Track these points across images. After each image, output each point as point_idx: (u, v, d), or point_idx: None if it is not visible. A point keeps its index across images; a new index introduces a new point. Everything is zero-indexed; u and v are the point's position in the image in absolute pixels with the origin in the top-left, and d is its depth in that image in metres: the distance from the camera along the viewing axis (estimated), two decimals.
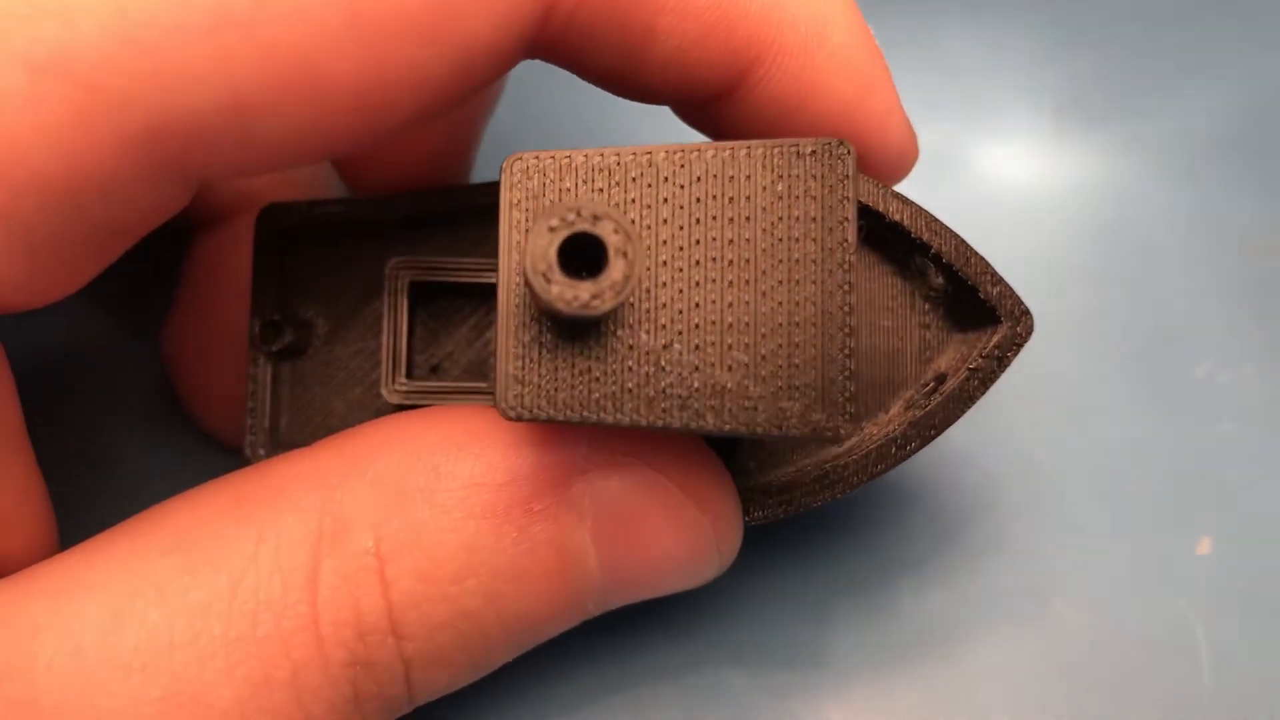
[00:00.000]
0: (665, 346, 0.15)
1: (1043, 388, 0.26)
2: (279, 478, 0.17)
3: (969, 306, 0.20)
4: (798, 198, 0.16)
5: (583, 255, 0.14)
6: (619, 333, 0.15)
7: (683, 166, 0.16)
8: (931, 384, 0.20)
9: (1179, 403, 0.25)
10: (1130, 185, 0.29)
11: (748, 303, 0.16)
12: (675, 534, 0.17)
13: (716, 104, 0.19)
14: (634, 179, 0.16)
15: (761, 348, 0.16)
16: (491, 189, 0.20)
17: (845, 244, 0.16)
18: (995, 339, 0.20)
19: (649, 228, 0.16)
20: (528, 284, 0.14)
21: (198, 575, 0.16)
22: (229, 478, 0.17)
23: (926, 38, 0.32)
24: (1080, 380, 0.26)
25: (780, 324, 0.16)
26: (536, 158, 0.16)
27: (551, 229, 0.14)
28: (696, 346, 0.15)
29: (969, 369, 0.20)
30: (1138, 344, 0.26)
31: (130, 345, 0.25)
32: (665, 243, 0.16)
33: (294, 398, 0.20)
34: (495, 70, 0.17)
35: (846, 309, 0.16)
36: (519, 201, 0.16)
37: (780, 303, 0.16)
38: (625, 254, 0.14)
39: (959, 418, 0.20)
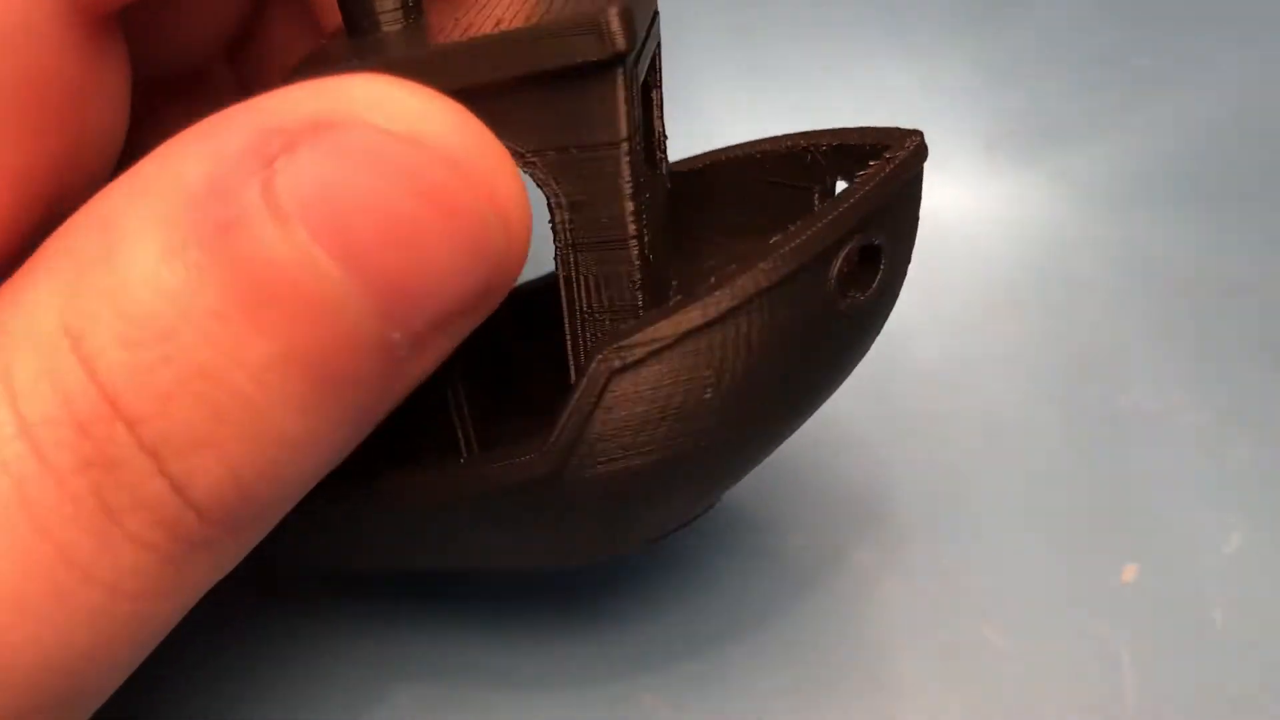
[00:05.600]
0: (455, 19, 0.15)
1: (970, 417, 0.26)
2: None
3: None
4: None
5: None
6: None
7: None
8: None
9: (1105, 431, 0.26)
10: (1059, 219, 0.30)
11: None
12: (421, 202, 0.13)
13: None
14: None
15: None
16: None
17: None
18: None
19: None
20: None
21: None
22: None
23: (861, 73, 0.32)
24: (1007, 409, 0.26)
25: None
26: None
27: None
28: (488, 14, 0.15)
29: (855, 177, 0.17)
30: (1065, 374, 0.27)
31: None
32: None
33: None
34: None
35: None
36: None
37: None
38: None
39: (838, 209, 0.17)
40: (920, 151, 0.18)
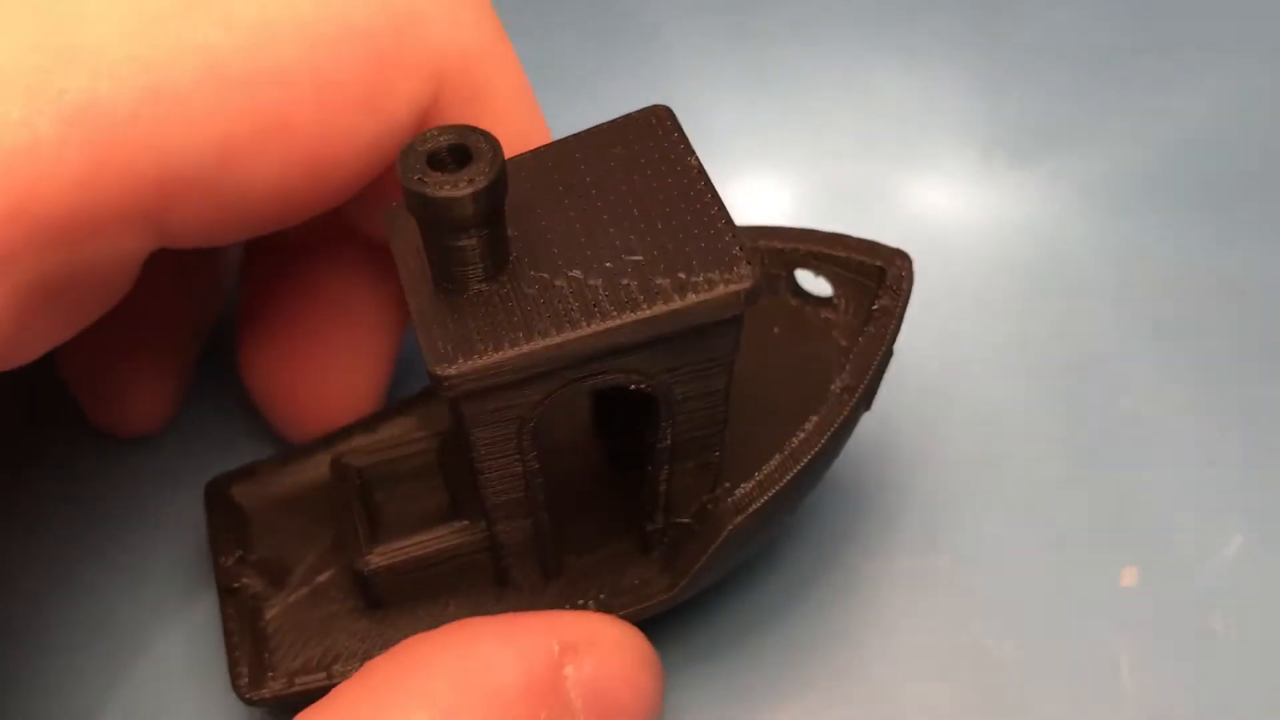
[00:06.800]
0: (556, 272, 0.16)
1: (969, 420, 0.26)
2: None
3: (860, 285, 0.21)
4: (642, 150, 0.18)
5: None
6: (516, 269, 0.17)
7: (542, 155, 0.18)
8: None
9: (1104, 436, 0.26)
10: (1056, 222, 0.30)
11: (628, 224, 0.17)
12: (640, 701, 0.19)
13: None
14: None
15: (653, 248, 0.16)
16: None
17: (691, 160, 0.17)
18: (885, 280, 0.21)
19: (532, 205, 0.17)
20: (409, 197, 0.15)
21: None
22: None
23: (860, 78, 0.32)
24: (1005, 414, 0.26)
25: (662, 223, 0.17)
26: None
27: (414, 150, 0.16)
28: (593, 267, 0.16)
29: (871, 310, 0.21)
30: (1063, 378, 0.27)
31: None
32: (543, 208, 0.17)
33: (273, 634, 0.21)
34: (398, 146, 0.18)
35: (711, 191, 0.17)
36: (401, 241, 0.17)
37: (659, 204, 0.17)
38: (485, 147, 0.15)
39: (876, 357, 0.20)
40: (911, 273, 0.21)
